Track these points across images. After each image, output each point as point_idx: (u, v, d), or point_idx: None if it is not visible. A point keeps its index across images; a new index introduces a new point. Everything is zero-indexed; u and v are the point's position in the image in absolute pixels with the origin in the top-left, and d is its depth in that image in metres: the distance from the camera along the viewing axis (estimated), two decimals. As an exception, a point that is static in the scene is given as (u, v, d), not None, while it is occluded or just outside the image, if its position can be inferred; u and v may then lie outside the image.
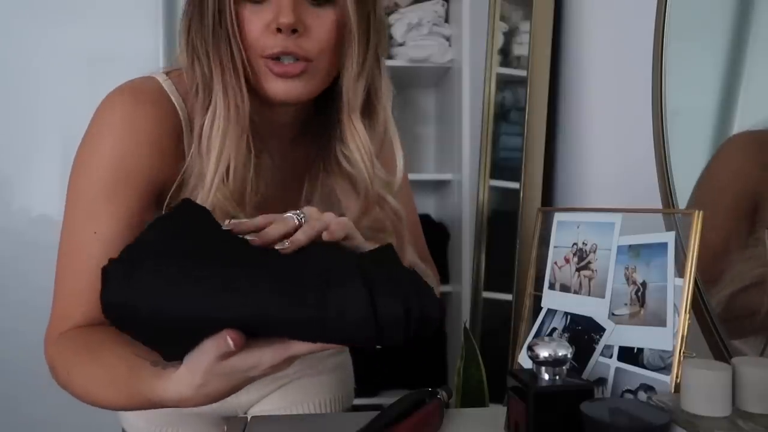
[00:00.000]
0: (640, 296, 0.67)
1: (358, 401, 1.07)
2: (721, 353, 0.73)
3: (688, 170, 0.83)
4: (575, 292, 0.76)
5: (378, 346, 0.50)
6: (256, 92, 0.72)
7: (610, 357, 0.69)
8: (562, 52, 1.32)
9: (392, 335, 0.49)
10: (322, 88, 0.74)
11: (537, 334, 0.79)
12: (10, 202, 2.00)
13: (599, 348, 0.70)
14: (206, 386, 0.52)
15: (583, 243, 0.76)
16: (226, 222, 0.62)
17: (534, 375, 0.62)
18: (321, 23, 0.69)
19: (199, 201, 0.67)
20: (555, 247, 0.80)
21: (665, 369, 0.63)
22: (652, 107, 0.89)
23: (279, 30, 0.67)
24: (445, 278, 2.14)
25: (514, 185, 1.41)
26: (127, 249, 0.52)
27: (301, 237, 0.57)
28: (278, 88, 0.70)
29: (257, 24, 0.69)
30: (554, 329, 0.77)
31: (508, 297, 1.44)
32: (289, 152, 0.83)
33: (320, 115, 0.80)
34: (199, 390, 0.52)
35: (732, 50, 0.80)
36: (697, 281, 0.67)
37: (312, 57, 0.70)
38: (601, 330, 0.71)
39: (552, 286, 0.80)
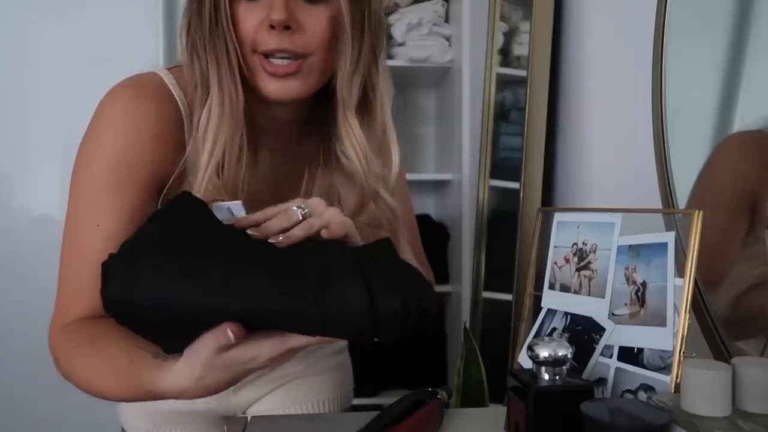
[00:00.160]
0: (640, 296, 0.68)
1: (358, 401, 1.07)
2: (721, 353, 0.73)
3: (688, 170, 0.83)
4: (575, 292, 0.76)
5: (376, 340, 0.51)
6: (253, 90, 0.73)
7: (610, 357, 0.69)
8: (562, 52, 1.32)
9: (390, 330, 0.49)
10: (319, 86, 0.74)
11: (537, 334, 0.79)
12: (10, 202, 2.00)
13: (599, 348, 0.70)
14: (206, 378, 0.52)
15: (583, 243, 0.76)
16: (212, 203, 0.62)
17: (534, 375, 0.62)
18: (314, 20, 0.70)
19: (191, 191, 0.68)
20: (555, 247, 0.80)
21: (665, 369, 0.63)
22: (652, 107, 0.89)
23: (272, 27, 0.68)
24: (445, 278, 2.14)
25: (514, 185, 1.41)
26: (126, 244, 0.52)
27: (297, 233, 0.57)
28: (272, 86, 0.71)
29: (251, 21, 0.69)
30: (554, 329, 0.77)
31: (508, 297, 1.44)
32: (292, 148, 0.84)
33: (319, 111, 0.80)
34: (198, 382, 0.52)
35: (732, 50, 0.80)
36: (697, 281, 0.67)
37: (305, 54, 0.70)
38: (601, 330, 0.71)
39: (552, 286, 0.80)
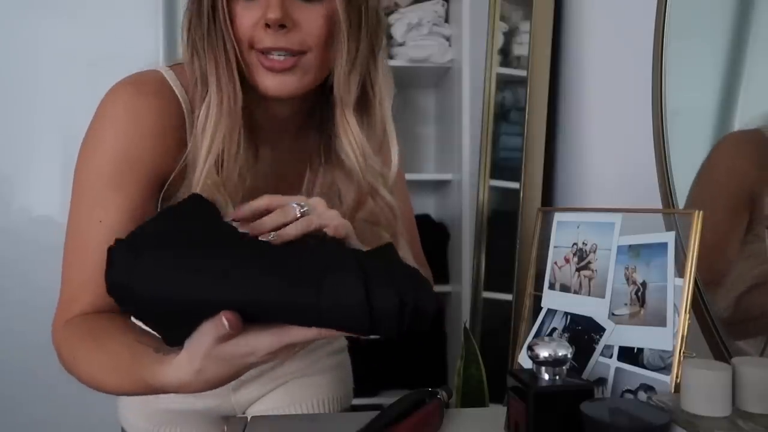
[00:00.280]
0: (640, 296, 0.68)
1: (357, 401, 1.07)
2: (721, 353, 0.73)
3: (688, 170, 0.83)
4: (575, 292, 0.76)
5: (372, 336, 0.51)
6: (252, 87, 0.73)
7: (610, 357, 0.69)
8: (562, 52, 1.32)
9: (386, 325, 0.49)
10: (316, 82, 0.75)
11: (537, 334, 0.79)
12: (10, 202, 2.00)
13: (599, 348, 0.70)
14: (205, 372, 0.52)
15: (583, 243, 0.76)
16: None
17: (534, 375, 0.62)
18: (310, 18, 0.70)
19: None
20: (555, 247, 0.80)
21: (665, 369, 0.63)
22: (652, 107, 0.89)
23: (268, 25, 0.69)
24: (445, 278, 2.14)
25: (514, 185, 1.41)
26: (133, 233, 0.53)
27: (290, 231, 0.58)
28: (270, 82, 0.71)
29: (248, 19, 0.70)
30: (554, 329, 0.77)
31: (508, 297, 1.44)
32: (293, 146, 0.84)
33: (319, 109, 0.81)
34: (198, 375, 0.52)
35: (732, 50, 0.80)
36: (697, 281, 0.67)
37: (301, 51, 0.71)
38: (601, 330, 0.71)
39: (552, 286, 0.80)
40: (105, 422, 1.07)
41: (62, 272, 0.71)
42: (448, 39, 2.13)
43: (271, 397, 0.94)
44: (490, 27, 1.63)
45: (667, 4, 0.85)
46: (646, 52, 0.90)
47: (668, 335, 0.63)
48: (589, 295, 0.74)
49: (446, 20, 2.17)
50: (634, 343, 0.67)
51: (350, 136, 0.76)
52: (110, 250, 0.51)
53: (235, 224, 0.60)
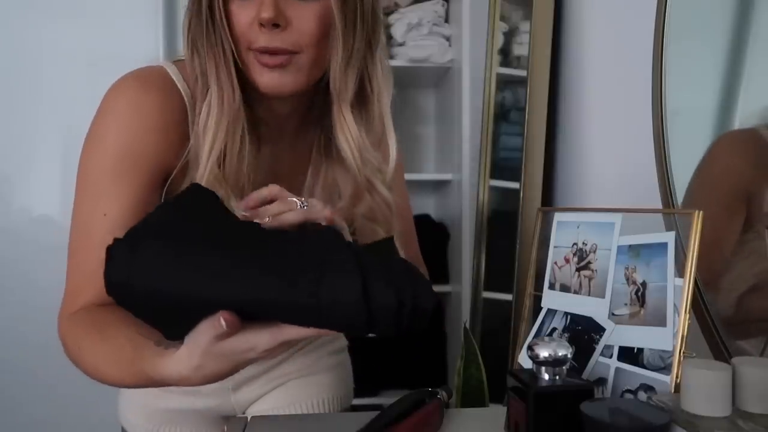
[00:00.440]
0: (640, 296, 0.68)
1: (358, 401, 1.07)
2: (721, 353, 0.73)
3: (688, 170, 0.83)
4: (575, 292, 0.76)
5: (371, 335, 0.51)
6: (252, 85, 0.73)
7: (610, 357, 0.69)
8: (562, 52, 1.32)
9: (385, 324, 0.49)
10: (312, 80, 0.75)
11: (537, 334, 0.79)
12: (10, 202, 2.00)
13: (599, 348, 0.70)
14: (204, 367, 0.53)
15: (583, 243, 0.76)
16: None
17: (534, 375, 0.62)
18: (304, 16, 0.70)
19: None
20: (555, 247, 0.80)
21: (665, 369, 0.63)
22: (652, 107, 0.89)
23: (262, 25, 0.69)
24: (445, 278, 2.14)
25: (514, 185, 1.41)
26: (132, 229, 0.53)
27: (291, 217, 0.60)
28: (267, 80, 0.72)
29: (244, 18, 0.70)
30: (554, 329, 0.77)
31: (508, 297, 1.44)
32: (294, 142, 0.85)
33: (318, 105, 0.81)
34: (197, 371, 0.53)
35: (732, 50, 0.80)
36: (697, 281, 0.67)
37: (296, 50, 0.71)
38: (601, 330, 0.71)
39: (552, 286, 0.80)
40: (105, 422, 1.07)
41: (68, 265, 0.72)
42: (448, 39, 2.13)
43: (271, 396, 0.94)
44: (490, 27, 1.63)
45: (667, 5, 0.85)
46: (646, 52, 0.90)
47: (668, 335, 0.63)
48: (589, 295, 0.74)
49: (446, 20, 2.17)
50: (634, 343, 0.67)
51: (346, 132, 0.76)
52: (109, 248, 0.51)
53: (237, 212, 0.61)
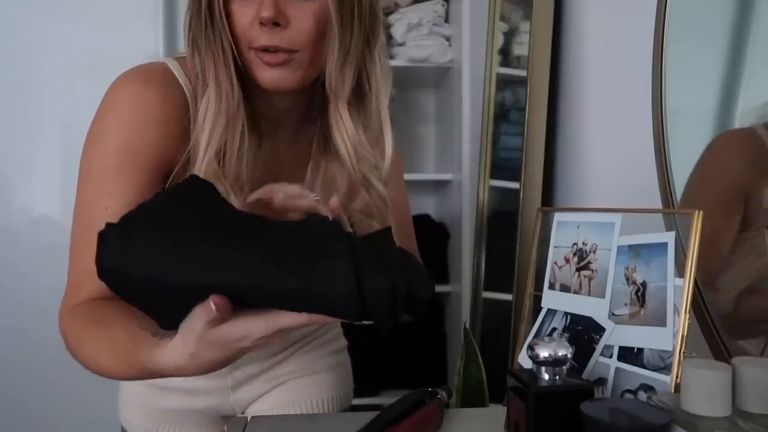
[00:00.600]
0: (640, 296, 0.68)
1: (358, 401, 1.07)
2: (721, 353, 0.73)
3: (688, 170, 0.83)
4: (575, 292, 0.76)
5: (366, 323, 0.50)
6: (253, 81, 0.74)
7: (610, 357, 0.69)
8: (562, 52, 1.32)
9: (378, 311, 0.49)
10: (312, 77, 0.76)
11: (537, 334, 0.79)
12: (11, 202, 2.00)
13: (599, 348, 0.70)
14: (199, 356, 0.53)
15: (583, 243, 0.76)
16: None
17: (534, 375, 0.62)
18: (302, 15, 0.71)
19: None
20: (555, 247, 0.80)
21: (665, 369, 0.63)
22: (652, 107, 0.89)
23: (262, 24, 0.70)
24: (445, 278, 2.14)
25: (514, 185, 1.41)
26: (126, 216, 0.52)
27: (303, 203, 0.61)
28: (269, 77, 0.72)
29: (245, 17, 0.71)
30: (554, 329, 0.77)
31: (508, 297, 1.44)
32: (295, 138, 0.85)
33: (318, 101, 0.81)
34: (192, 359, 0.53)
35: (732, 50, 0.80)
36: (697, 281, 0.67)
37: (295, 49, 0.71)
38: (601, 330, 0.71)
39: (552, 286, 0.80)
40: (105, 421, 1.07)
41: (69, 259, 0.72)
42: (448, 39, 2.13)
43: (271, 396, 0.94)
44: (490, 27, 1.63)
45: (667, 5, 0.85)
46: (646, 52, 0.90)
47: (668, 335, 0.63)
48: (589, 295, 0.74)
49: (446, 20, 2.17)
50: (634, 343, 0.67)
51: (342, 129, 0.77)
52: (100, 234, 0.51)
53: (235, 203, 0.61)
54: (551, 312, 0.79)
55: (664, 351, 0.64)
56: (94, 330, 0.64)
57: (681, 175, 0.84)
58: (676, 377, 0.61)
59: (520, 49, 1.52)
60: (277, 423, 0.80)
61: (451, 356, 2.07)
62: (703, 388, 0.55)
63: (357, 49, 0.74)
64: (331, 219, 0.60)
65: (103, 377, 0.64)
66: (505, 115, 1.60)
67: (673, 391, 0.61)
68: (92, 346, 0.64)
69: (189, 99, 0.76)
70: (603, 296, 0.72)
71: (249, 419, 0.77)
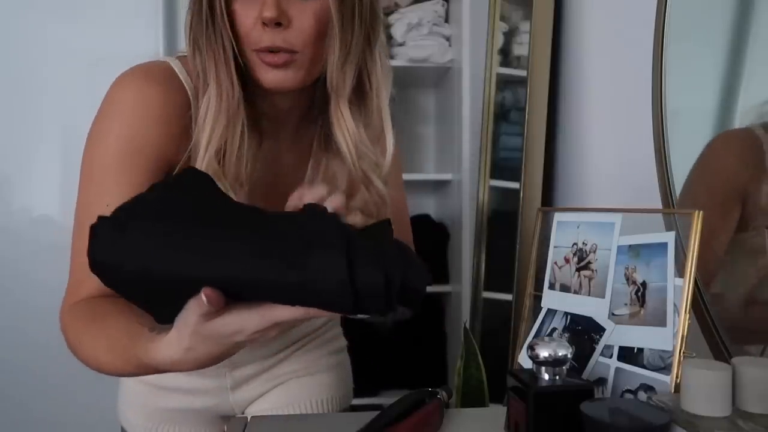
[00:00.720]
0: (640, 296, 0.68)
1: (358, 401, 1.07)
2: (721, 353, 0.73)
3: (688, 170, 0.83)
4: (575, 292, 0.76)
5: (361, 316, 0.50)
6: (255, 81, 0.74)
7: (610, 357, 0.69)
8: (562, 52, 1.32)
9: (372, 305, 0.49)
10: (313, 76, 0.76)
11: (537, 334, 0.79)
12: (11, 202, 2.00)
13: (599, 348, 0.70)
14: (194, 350, 0.52)
15: (583, 243, 0.76)
16: None
17: (534, 375, 0.62)
18: (304, 15, 0.71)
19: None
20: (555, 247, 0.80)
21: (665, 369, 0.63)
22: (652, 107, 0.89)
23: (264, 24, 0.70)
24: (445, 278, 2.14)
25: (514, 185, 1.41)
26: (121, 207, 0.52)
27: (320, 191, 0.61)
28: (271, 77, 0.73)
29: (248, 17, 0.71)
30: (554, 329, 0.77)
31: (508, 297, 1.44)
32: (296, 137, 0.85)
33: (319, 100, 0.82)
34: (187, 353, 0.53)
35: (732, 50, 0.80)
36: (697, 281, 0.67)
37: (297, 49, 0.71)
38: (601, 330, 0.71)
39: (552, 286, 0.80)
40: (105, 420, 1.07)
41: (71, 256, 0.72)
42: (448, 39, 2.13)
43: (271, 396, 0.94)
44: (490, 27, 1.63)
45: (667, 5, 0.85)
46: (646, 52, 0.90)
47: (668, 335, 0.63)
48: (589, 295, 0.74)
49: (446, 20, 2.17)
50: (634, 343, 0.67)
51: (343, 126, 0.77)
52: (92, 227, 0.50)
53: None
54: (551, 312, 0.79)
55: (664, 351, 0.64)
56: (94, 327, 0.65)
57: (681, 175, 0.84)
58: (676, 377, 0.61)
59: (520, 49, 1.52)
60: (277, 423, 0.80)
61: (451, 356, 2.07)
62: (703, 388, 0.55)
63: (358, 47, 0.75)
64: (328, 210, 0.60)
65: (103, 375, 0.64)
66: (505, 115, 1.60)
67: (673, 391, 0.61)
68: (92, 343, 0.64)
69: (191, 97, 0.76)
70: (603, 296, 0.72)
71: (249, 419, 0.77)
